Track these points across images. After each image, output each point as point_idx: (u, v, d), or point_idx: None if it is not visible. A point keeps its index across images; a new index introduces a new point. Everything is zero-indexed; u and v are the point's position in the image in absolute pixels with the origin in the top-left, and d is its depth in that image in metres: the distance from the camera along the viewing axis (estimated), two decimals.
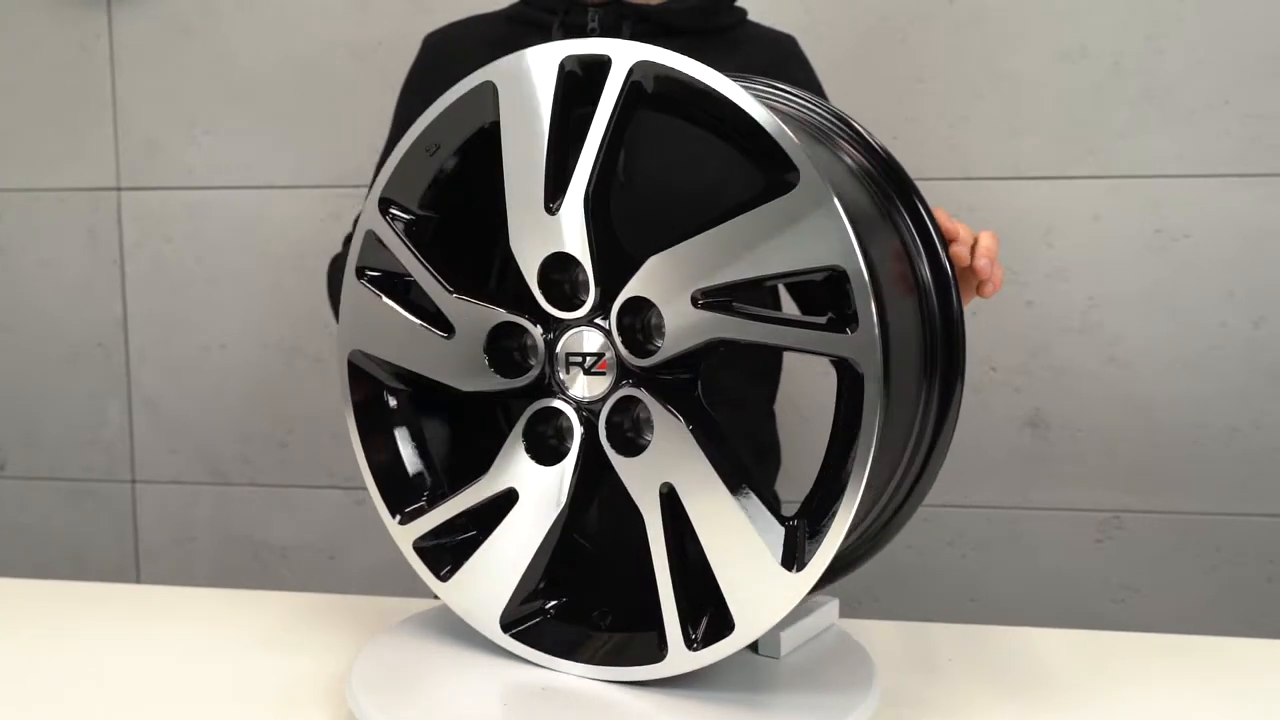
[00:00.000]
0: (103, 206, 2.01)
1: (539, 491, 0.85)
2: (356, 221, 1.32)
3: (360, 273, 0.91)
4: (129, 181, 2.00)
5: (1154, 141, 1.75)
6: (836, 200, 0.71)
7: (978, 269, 0.89)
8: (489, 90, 0.83)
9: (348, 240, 1.32)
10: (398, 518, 0.91)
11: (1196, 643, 1.02)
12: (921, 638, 1.01)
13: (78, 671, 0.97)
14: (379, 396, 0.93)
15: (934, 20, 1.78)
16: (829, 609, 0.95)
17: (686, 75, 0.76)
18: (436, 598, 0.93)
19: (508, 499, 0.86)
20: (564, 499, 0.84)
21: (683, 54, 0.76)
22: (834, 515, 0.73)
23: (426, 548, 0.91)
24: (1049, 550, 1.84)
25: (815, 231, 0.72)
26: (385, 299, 0.89)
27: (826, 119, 0.85)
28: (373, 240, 0.89)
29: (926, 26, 1.78)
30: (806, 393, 1.63)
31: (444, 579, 0.90)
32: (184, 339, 2.02)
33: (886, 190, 0.81)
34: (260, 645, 1.02)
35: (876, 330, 0.70)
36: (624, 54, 0.78)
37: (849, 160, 0.82)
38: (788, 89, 0.89)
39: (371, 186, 0.92)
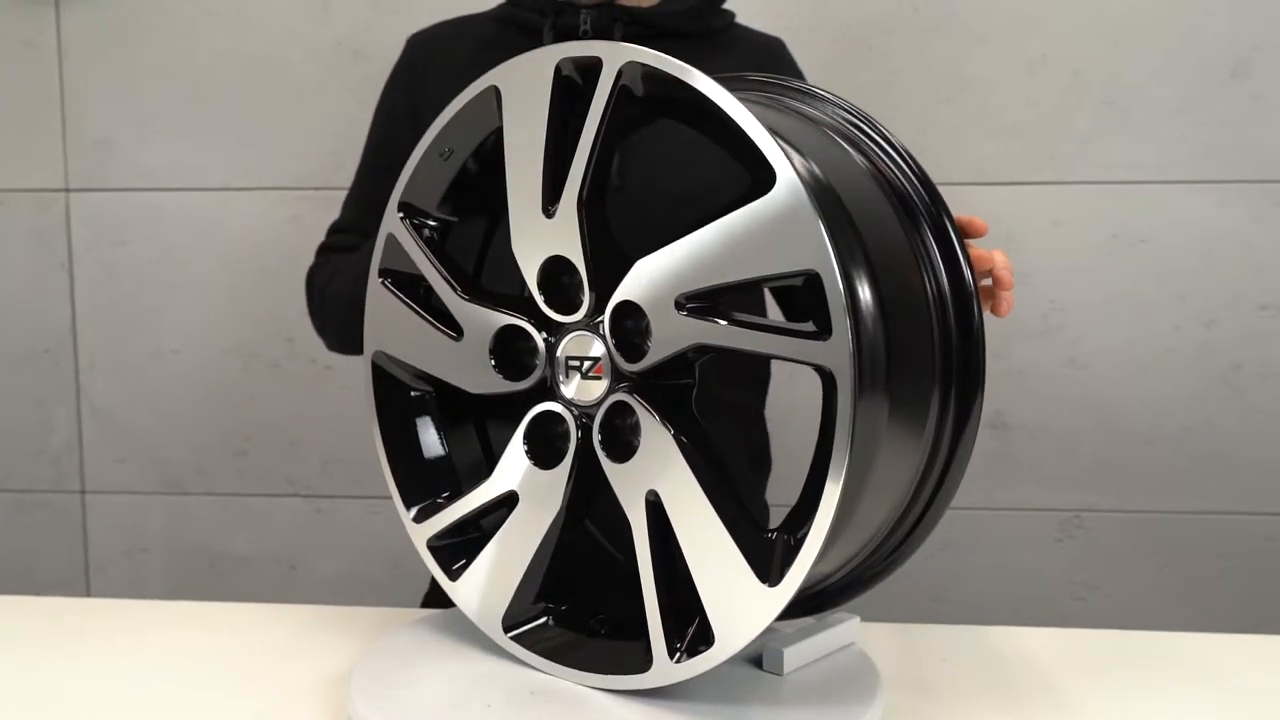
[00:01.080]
0: (51, 209, 1.95)
1: (537, 495, 0.85)
2: (332, 231, 1.30)
3: (383, 275, 0.92)
4: (78, 183, 1.94)
5: (1113, 148, 1.78)
6: (812, 202, 0.69)
7: (999, 278, 0.91)
8: (493, 94, 0.83)
9: (322, 251, 1.29)
10: (413, 514, 0.93)
11: (1184, 640, 1.04)
12: (913, 639, 1.02)
13: (38, 693, 0.93)
14: (400, 397, 0.95)
15: (899, 27, 1.80)
16: (848, 627, 0.92)
17: (672, 75, 0.75)
18: (441, 603, 0.94)
19: (509, 501, 0.87)
20: (560, 503, 0.84)
21: (677, 57, 0.76)
22: (809, 528, 0.71)
23: (439, 546, 0.93)
24: (1012, 550, 1.87)
25: (790, 234, 0.70)
26: (403, 301, 0.91)
27: (851, 121, 0.85)
28: (393, 243, 0.91)
29: (892, 33, 1.80)
30: (800, 396, 1.64)
31: (454, 578, 0.91)
32: (136, 344, 1.96)
33: (907, 197, 0.81)
34: (226, 659, 0.99)
35: (849, 336, 0.68)
36: (614, 55, 0.78)
37: (865, 164, 0.82)
38: (818, 89, 0.89)
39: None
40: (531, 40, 1.21)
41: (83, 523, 2.02)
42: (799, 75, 1.30)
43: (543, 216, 0.80)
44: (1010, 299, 0.96)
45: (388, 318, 0.92)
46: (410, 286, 0.92)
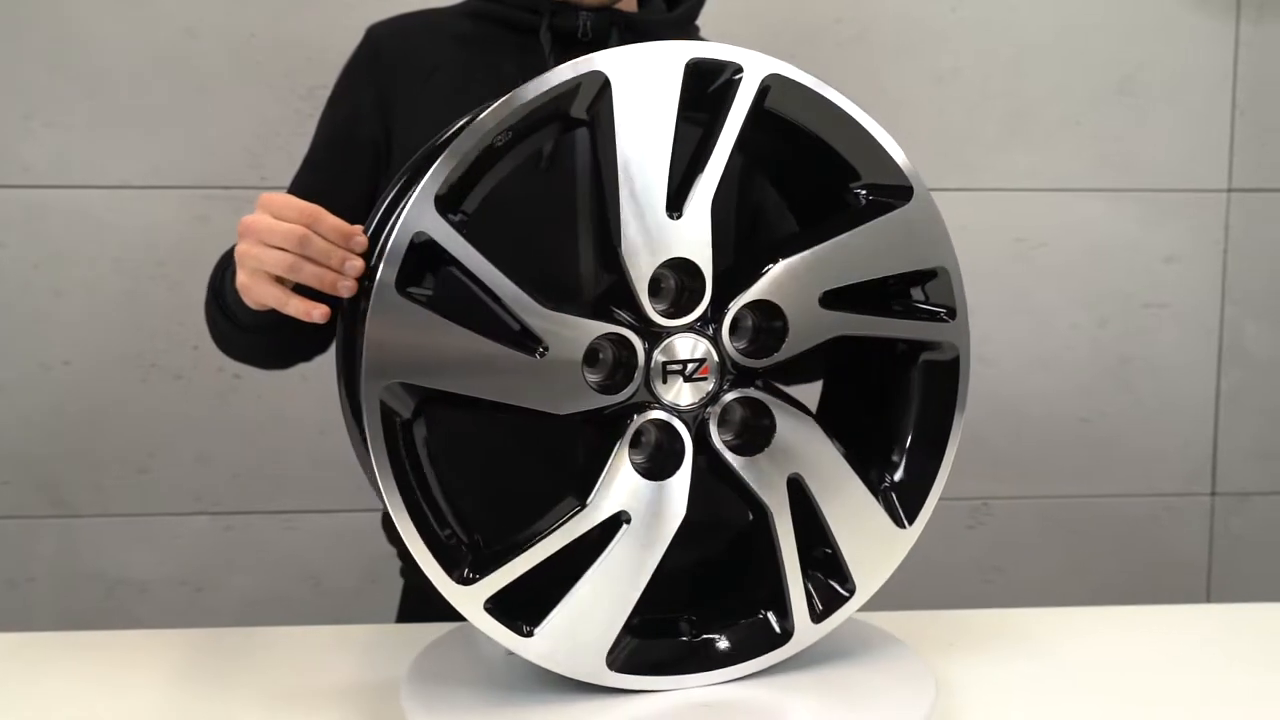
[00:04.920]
0: None
1: (653, 510, 0.82)
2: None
3: (402, 289, 0.75)
4: None
5: (1016, 158, 1.90)
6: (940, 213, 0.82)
7: None
8: (597, 82, 0.78)
9: (226, 256, 1.18)
10: (460, 577, 0.78)
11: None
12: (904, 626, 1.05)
13: None
14: (409, 439, 0.80)
15: (822, 38, 1.86)
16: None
17: (815, 93, 0.83)
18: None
19: (613, 524, 0.82)
20: (682, 510, 0.82)
21: None
22: (936, 475, 0.89)
23: (497, 606, 0.80)
24: (926, 537, 1.95)
25: (926, 237, 0.87)
26: (444, 319, 0.76)
27: None
28: (428, 248, 0.76)
29: (814, 44, 1.86)
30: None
31: (528, 634, 0.80)
32: (18, 356, 1.79)
33: None
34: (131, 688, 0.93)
35: (968, 317, 0.89)
36: (756, 64, 0.82)
37: None
38: None
39: (411, 189, 0.77)
40: (523, 39, 1.19)
41: None
42: None
43: (665, 218, 0.79)
44: None
45: (416, 341, 0.75)
46: (455, 299, 0.77)
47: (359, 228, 0.87)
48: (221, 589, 1.87)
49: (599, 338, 0.81)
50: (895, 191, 0.86)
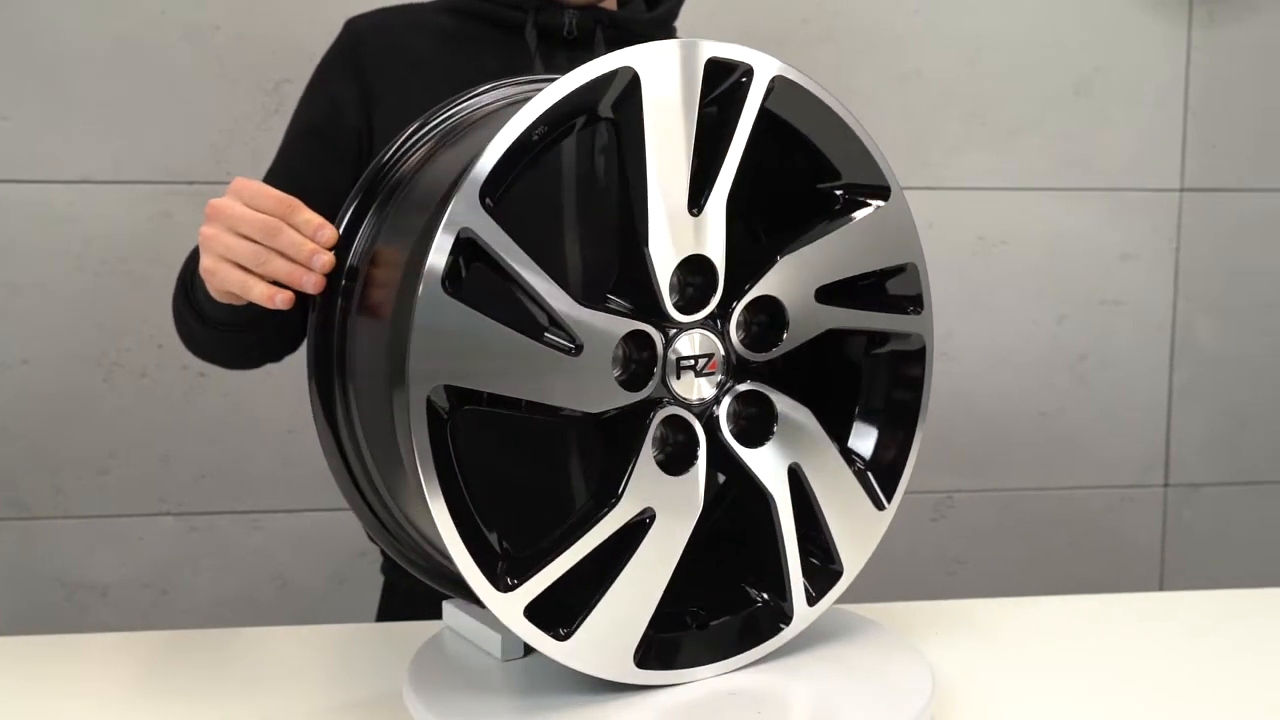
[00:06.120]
0: None
1: (674, 505, 0.82)
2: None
3: (448, 285, 0.73)
4: None
5: (978, 157, 1.94)
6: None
7: None
8: (627, 77, 0.78)
9: (192, 257, 1.15)
10: (499, 582, 0.76)
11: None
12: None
13: None
14: (453, 443, 0.77)
15: (789, 38, 1.88)
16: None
17: (816, 98, 0.87)
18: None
19: (641, 523, 0.81)
20: (699, 504, 0.83)
21: None
22: (907, 458, 0.94)
23: (536, 611, 0.78)
24: (892, 530, 1.98)
25: (900, 234, 0.91)
26: (489, 318, 0.75)
27: None
28: (474, 243, 0.74)
29: (782, 44, 1.88)
30: None
31: (564, 638, 0.78)
32: None
33: None
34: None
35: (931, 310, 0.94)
36: (765, 65, 0.84)
37: None
38: None
39: (459, 183, 0.74)
40: (507, 35, 1.19)
41: None
42: None
43: (687, 215, 0.80)
44: None
45: (461, 340, 0.73)
46: (488, 296, 0.75)
47: (329, 223, 0.87)
48: (186, 591, 1.84)
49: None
50: (874, 191, 0.90)
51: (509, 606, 0.76)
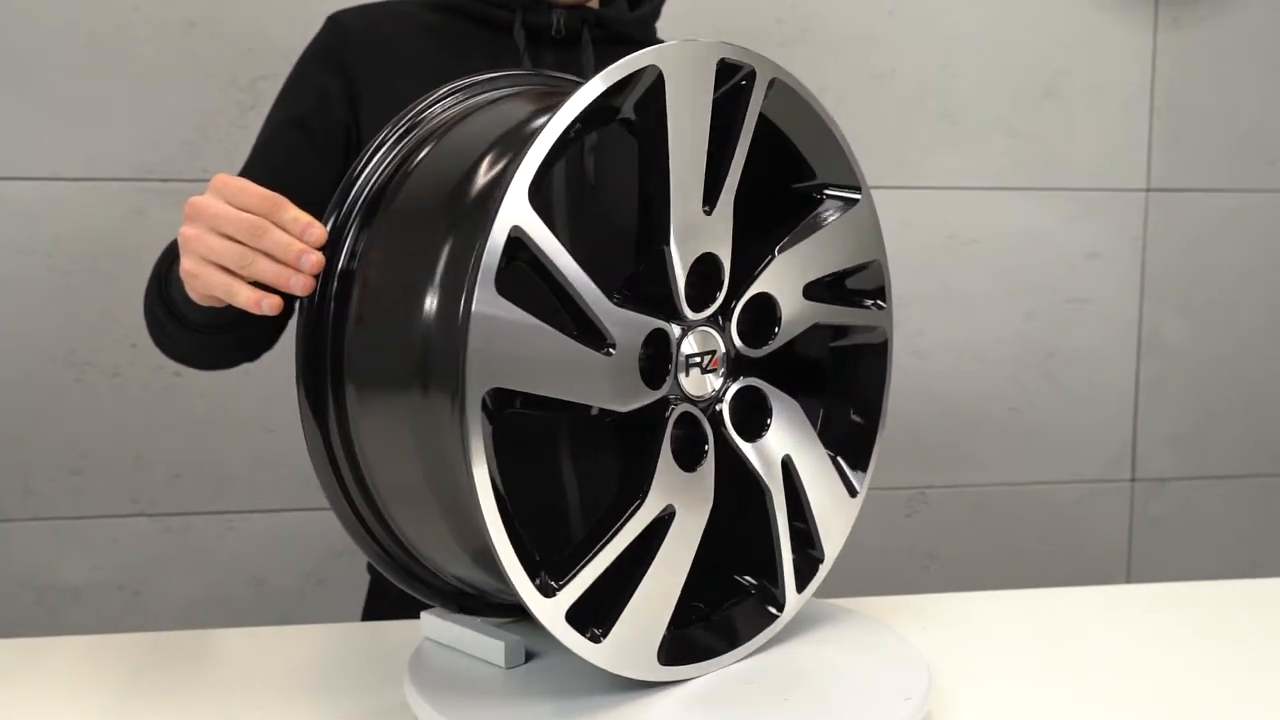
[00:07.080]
0: None
1: (690, 501, 0.83)
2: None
3: (501, 285, 0.70)
4: None
5: (950, 157, 1.97)
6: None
7: None
8: (652, 76, 0.78)
9: (166, 254, 1.12)
10: (543, 585, 0.75)
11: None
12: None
13: None
14: (502, 443, 0.77)
15: (765, 37, 1.89)
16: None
17: (805, 101, 0.88)
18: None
19: (663, 520, 0.82)
20: (710, 499, 0.84)
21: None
22: (872, 447, 0.97)
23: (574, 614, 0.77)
24: (866, 526, 2.01)
25: (869, 232, 0.94)
26: (537, 319, 0.73)
27: None
28: (522, 242, 0.72)
29: (758, 43, 1.87)
30: None
31: (598, 639, 0.78)
32: None
33: None
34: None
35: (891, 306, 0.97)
36: (765, 67, 0.86)
37: None
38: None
39: (506, 180, 0.71)
40: (494, 34, 1.19)
41: None
42: None
43: (702, 214, 0.81)
44: None
45: (510, 342, 0.71)
46: (537, 298, 0.73)
47: (317, 221, 0.83)
48: (160, 592, 1.82)
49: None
50: (847, 190, 0.93)
51: (553, 612, 0.75)
